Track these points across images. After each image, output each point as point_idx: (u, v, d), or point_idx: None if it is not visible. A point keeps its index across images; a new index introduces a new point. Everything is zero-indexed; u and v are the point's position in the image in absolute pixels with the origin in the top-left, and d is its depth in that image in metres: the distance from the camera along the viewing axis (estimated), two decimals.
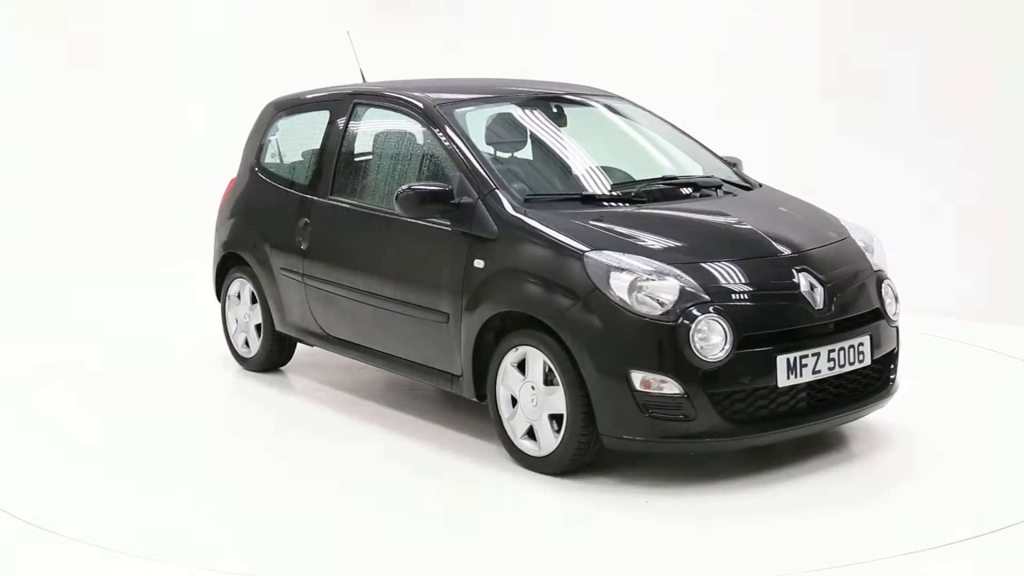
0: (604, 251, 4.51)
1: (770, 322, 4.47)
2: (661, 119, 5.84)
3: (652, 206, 5.00)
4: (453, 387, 5.06)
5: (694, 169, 5.56)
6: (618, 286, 4.39)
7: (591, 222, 4.73)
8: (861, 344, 4.67)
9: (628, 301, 4.36)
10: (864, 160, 8.45)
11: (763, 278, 4.53)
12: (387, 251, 5.37)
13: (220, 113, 11.49)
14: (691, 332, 4.30)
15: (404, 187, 5.01)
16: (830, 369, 4.55)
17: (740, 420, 4.40)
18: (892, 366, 4.94)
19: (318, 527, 4.30)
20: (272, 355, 6.39)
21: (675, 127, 5.81)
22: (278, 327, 6.18)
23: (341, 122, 5.90)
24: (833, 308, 4.61)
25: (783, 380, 4.42)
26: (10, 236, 10.02)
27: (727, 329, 4.33)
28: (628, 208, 4.97)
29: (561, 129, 5.65)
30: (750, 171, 5.84)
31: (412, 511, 4.41)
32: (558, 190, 5.17)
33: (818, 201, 5.58)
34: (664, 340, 4.31)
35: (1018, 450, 4.99)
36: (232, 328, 6.63)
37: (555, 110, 5.72)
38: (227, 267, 6.61)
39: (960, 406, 5.66)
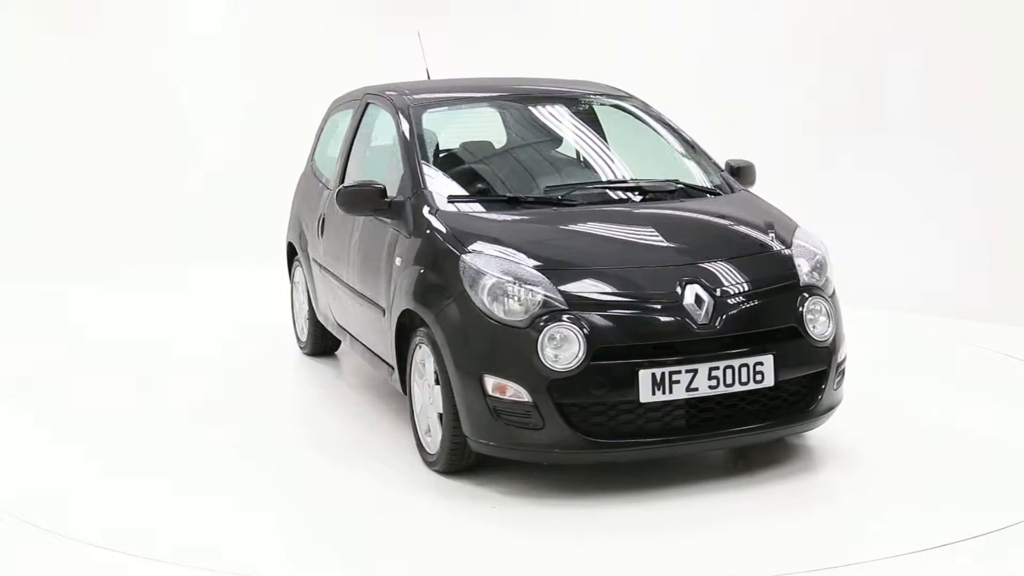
0: (479, 254, 4.49)
1: (633, 334, 4.27)
2: (664, 121, 5.76)
3: (572, 210, 4.93)
4: (391, 380, 5.18)
5: (677, 172, 5.44)
6: (481, 289, 4.38)
7: (500, 222, 4.78)
8: (759, 364, 4.35)
9: (487, 304, 4.34)
10: (864, 160, 8.45)
11: (639, 288, 4.36)
12: (354, 244, 5.59)
13: (220, 113, 11.49)
14: (540, 340, 4.21)
15: (342, 185, 5.22)
16: (712, 388, 4.28)
17: (599, 434, 4.24)
18: (822, 386, 4.57)
19: (325, 527, 4.31)
20: (318, 341, 6.68)
21: (674, 129, 5.74)
22: (317, 315, 6.50)
23: (355, 120, 6.13)
24: (720, 324, 4.33)
25: (646, 395, 4.21)
26: (10, 236, 10.02)
27: (580, 339, 4.20)
28: (542, 211, 4.95)
29: (543, 130, 5.73)
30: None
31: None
32: (489, 192, 5.20)
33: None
34: (515, 346, 4.25)
35: (1019, 450, 4.99)
36: (295, 313, 7.06)
37: (546, 110, 5.78)
38: (293, 255, 6.95)
39: (960, 406, 5.66)
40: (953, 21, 7.92)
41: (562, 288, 4.32)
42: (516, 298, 4.31)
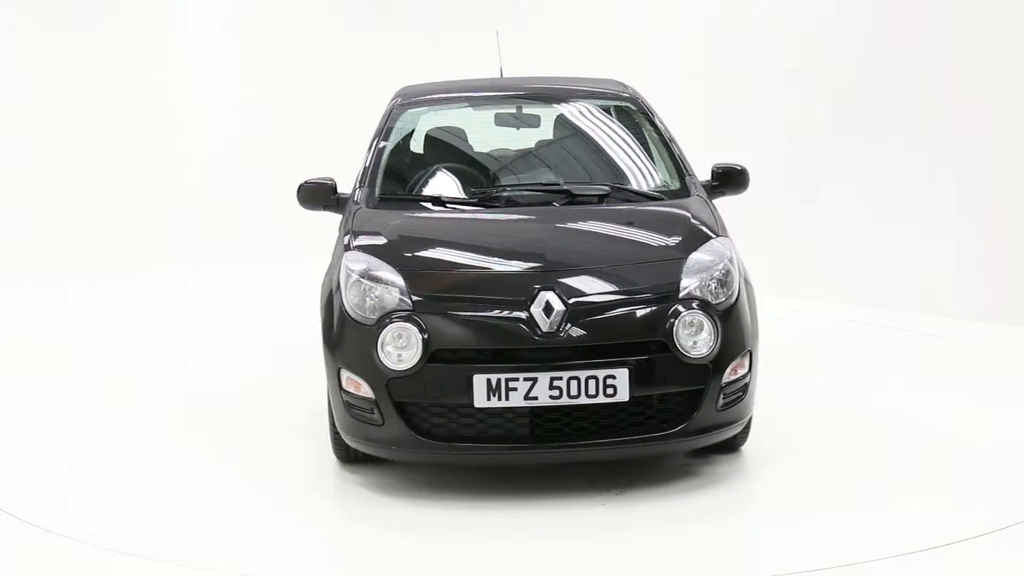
0: (356, 252, 4.61)
1: (471, 338, 4.27)
2: (651, 120, 5.66)
3: (480, 213, 5.02)
4: None
5: (633, 175, 5.38)
6: (346, 287, 4.50)
7: (393, 223, 4.85)
8: (610, 377, 4.21)
9: (348, 302, 4.46)
10: (864, 160, 8.46)
11: (489, 293, 4.36)
12: None
13: (220, 113, 11.50)
14: (381, 338, 4.28)
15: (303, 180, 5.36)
16: (554, 398, 4.18)
17: (440, 435, 4.28)
18: (697, 406, 4.35)
19: (326, 529, 4.31)
20: None
21: (658, 129, 5.57)
22: None
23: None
24: (568, 333, 4.24)
25: (481, 400, 4.19)
26: (10, 236, 10.03)
27: (418, 340, 4.24)
28: (453, 213, 5.05)
29: (520, 131, 5.83)
30: (750, 171, 5.72)
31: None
32: (421, 191, 5.31)
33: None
34: (363, 343, 4.34)
35: (1019, 450, 4.99)
36: None
37: (525, 111, 5.88)
38: None
39: (960, 406, 5.66)
40: (953, 21, 7.92)
41: (415, 289, 4.38)
42: (370, 297, 4.40)
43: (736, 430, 4.59)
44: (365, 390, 4.33)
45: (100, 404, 6.00)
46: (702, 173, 5.48)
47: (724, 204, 6.66)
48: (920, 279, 8.05)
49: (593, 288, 4.38)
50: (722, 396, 4.41)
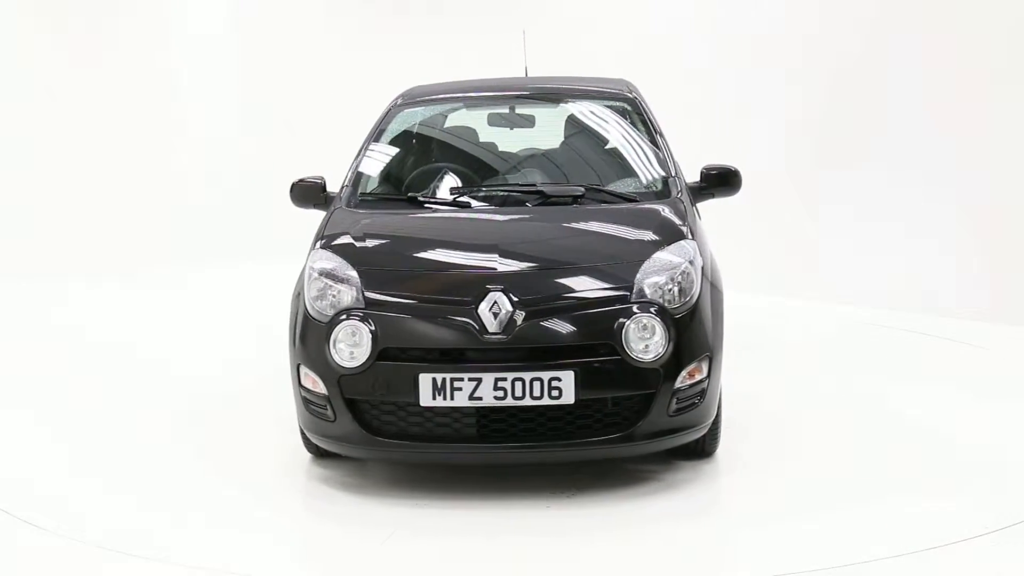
0: (321, 251, 4.69)
1: (418, 338, 4.30)
2: (644, 120, 5.62)
3: (451, 213, 5.06)
4: None
5: (615, 176, 5.36)
6: (307, 284, 4.58)
7: (363, 222, 4.90)
8: (556, 379, 4.19)
9: (307, 299, 4.54)
10: (864, 160, 8.46)
11: (440, 294, 4.40)
12: None
13: (220, 113, 11.51)
14: (333, 335, 4.34)
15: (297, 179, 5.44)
16: (498, 399, 4.18)
17: (389, 432, 4.34)
18: (647, 410, 4.29)
19: (324, 528, 4.31)
20: None
21: (650, 130, 5.51)
22: None
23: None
24: (514, 334, 4.22)
25: (427, 399, 4.22)
26: (10, 236, 10.03)
27: (367, 338, 4.29)
28: (426, 213, 5.10)
29: (513, 131, 5.88)
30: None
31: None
32: (396, 192, 5.37)
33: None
34: (318, 340, 4.41)
35: (1019, 450, 4.99)
36: None
37: (518, 112, 5.92)
38: None
39: (960, 406, 5.66)
40: (952, 21, 7.92)
41: (369, 288, 4.43)
42: (328, 295, 4.47)
43: (693, 436, 4.51)
44: (320, 386, 4.41)
45: (100, 404, 6.00)
46: (700, 174, 5.43)
47: (724, 204, 6.68)
48: (920, 279, 8.05)
49: (544, 290, 4.37)
50: (675, 401, 4.34)
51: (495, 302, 4.28)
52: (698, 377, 4.41)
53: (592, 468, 4.66)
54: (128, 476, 4.87)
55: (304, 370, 4.49)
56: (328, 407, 4.40)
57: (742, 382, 5.60)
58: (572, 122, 5.82)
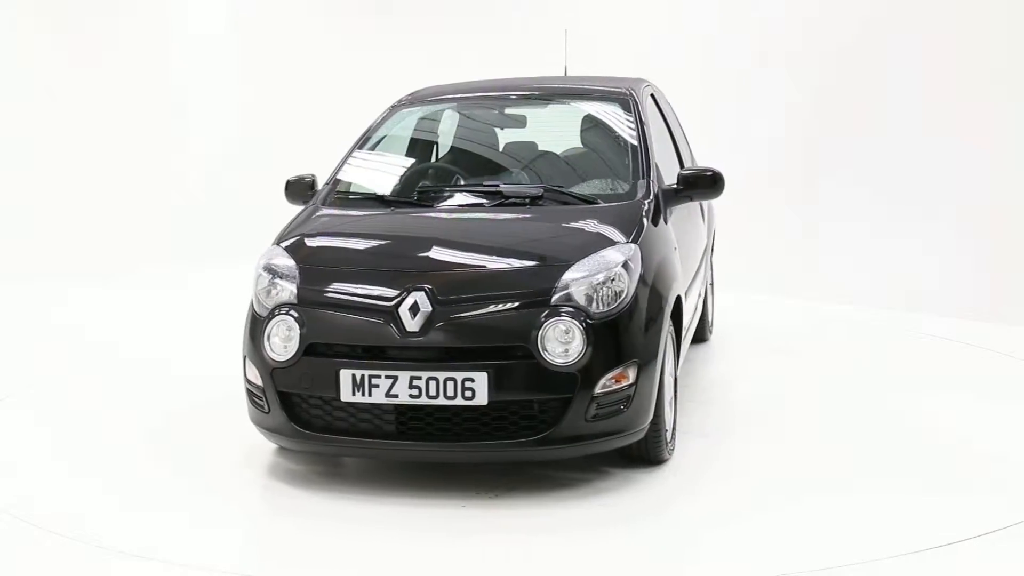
0: (275, 248, 4.83)
1: (340, 334, 4.41)
2: (640, 120, 5.55)
3: (403, 212, 5.15)
4: None
5: (581, 179, 5.36)
6: (254, 280, 4.74)
7: (320, 220, 5.06)
8: (469, 380, 4.21)
9: (256, 293, 4.70)
10: (864, 160, 8.46)
11: (367, 291, 4.45)
12: None
13: (220, 113, 11.50)
14: (268, 330, 4.51)
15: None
16: (413, 397, 4.25)
17: (316, 426, 4.45)
18: (562, 414, 4.25)
19: (324, 529, 4.31)
20: None
21: (641, 133, 5.40)
22: None
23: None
24: (431, 334, 4.27)
25: (347, 395, 4.32)
26: (10, 236, 10.03)
27: (296, 333, 4.43)
28: (374, 212, 5.21)
29: (488, 132, 5.91)
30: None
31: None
32: (368, 191, 5.46)
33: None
34: (256, 334, 4.59)
35: (1020, 450, 4.99)
36: None
37: (508, 113, 5.98)
38: None
39: (961, 406, 5.66)
40: (952, 21, 7.93)
41: (304, 284, 4.57)
42: (271, 290, 4.63)
43: (619, 442, 4.44)
44: (258, 378, 4.57)
45: (100, 404, 6.00)
46: (676, 177, 5.36)
47: (725, 205, 6.68)
48: (919, 279, 8.05)
49: (466, 290, 4.41)
50: (595, 406, 4.29)
51: (415, 302, 4.35)
52: (624, 383, 4.35)
53: (526, 471, 4.64)
54: (128, 476, 4.87)
55: (248, 363, 4.66)
56: (263, 399, 4.56)
57: (742, 382, 5.60)
58: (559, 122, 5.89)
